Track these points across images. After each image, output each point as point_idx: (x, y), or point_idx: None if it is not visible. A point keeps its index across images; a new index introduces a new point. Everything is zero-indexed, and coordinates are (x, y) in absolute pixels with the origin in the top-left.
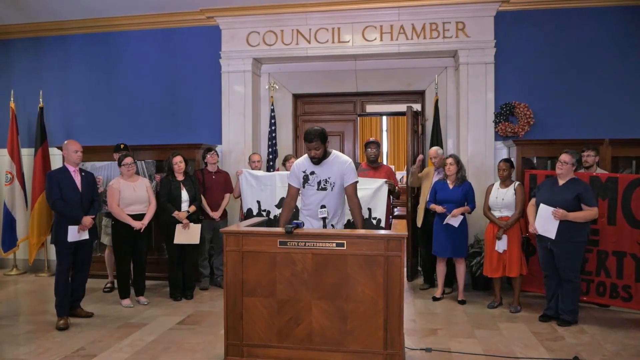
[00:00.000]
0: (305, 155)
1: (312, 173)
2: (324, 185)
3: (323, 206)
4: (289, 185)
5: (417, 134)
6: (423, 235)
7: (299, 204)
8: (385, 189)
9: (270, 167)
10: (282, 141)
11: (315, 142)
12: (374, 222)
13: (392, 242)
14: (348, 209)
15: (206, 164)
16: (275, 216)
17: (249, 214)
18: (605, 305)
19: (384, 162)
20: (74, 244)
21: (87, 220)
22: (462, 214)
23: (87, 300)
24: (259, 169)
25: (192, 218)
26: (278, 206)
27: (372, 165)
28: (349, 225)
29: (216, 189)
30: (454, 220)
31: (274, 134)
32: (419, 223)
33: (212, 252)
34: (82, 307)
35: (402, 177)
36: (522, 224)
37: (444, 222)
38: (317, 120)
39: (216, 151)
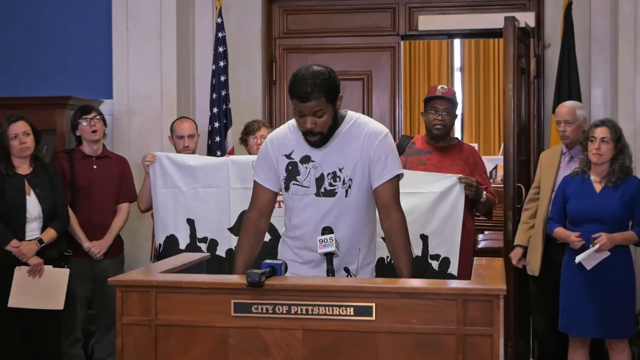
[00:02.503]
0: (291, 122)
1: (307, 159)
2: (331, 184)
3: (326, 230)
4: (255, 184)
5: (526, 75)
6: (541, 292)
7: (276, 223)
8: (460, 194)
9: (216, 148)
10: (240, 92)
11: (314, 101)
12: (435, 264)
13: (473, 307)
14: (380, 237)
15: (79, 139)
16: (229, 251)
17: (169, 246)
18: None
19: (460, 138)
20: None
21: None
22: (621, 248)
23: None
24: (193, 152)
25: (50, 255)
26: (234, 230)
27: (436, 144)
28: (386, 271)
29: (100, 193)
30: (594, 257)
31: (223, 78)
32: (534, 269)
33: (93, 328)
34: None
35: (497, 167)
36: None
37: (576, 261)
38: (317, 49)
39: (100, 113)
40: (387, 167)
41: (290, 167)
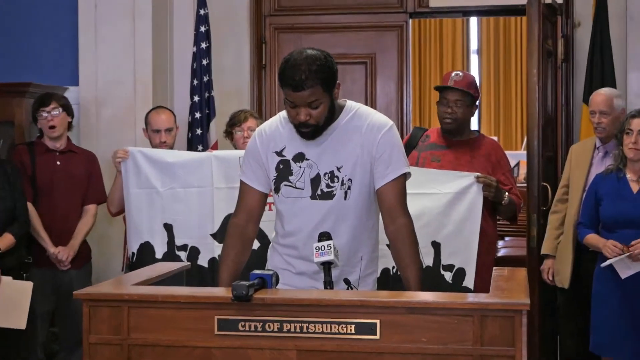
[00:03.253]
0: (282, 114)
1: (300, 157)
2: (328, 185)
3: (324, 236)
4: (242, 184)
5: (553, 59)
6: (571, 306)
7: (266, 229)
8: (478, 195)
9: (197, 142)
10: (225, 78)
11: (309, 91)
12: (448, 275)
13: (492, 324)
14: (385, 245)
15: (41, 132)
16: (212, 260)
17: (143, 255)
18: None
19: (479, 130)
20: None
21: None
22: None
23: None
24: (171, 147)
25: (8, 264)
26: (218, 236)
27: (452, 138)
28: (391, 283)
29: (63, 192)
30: (630, 266)
31: (205, 62)
32: (564, 280)
33: (56, 348)
34: None
35: (519, 164)
36: None
37: (601, 264)
38: (313, 28)
39: (63, 104)
40: (392, 165)
41: (281, 166)
